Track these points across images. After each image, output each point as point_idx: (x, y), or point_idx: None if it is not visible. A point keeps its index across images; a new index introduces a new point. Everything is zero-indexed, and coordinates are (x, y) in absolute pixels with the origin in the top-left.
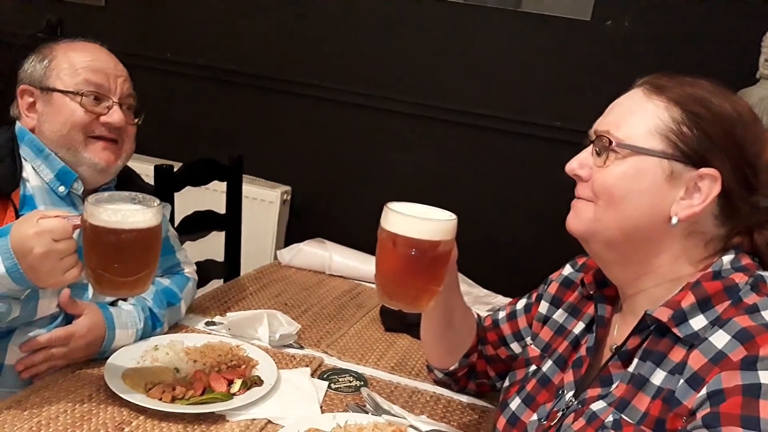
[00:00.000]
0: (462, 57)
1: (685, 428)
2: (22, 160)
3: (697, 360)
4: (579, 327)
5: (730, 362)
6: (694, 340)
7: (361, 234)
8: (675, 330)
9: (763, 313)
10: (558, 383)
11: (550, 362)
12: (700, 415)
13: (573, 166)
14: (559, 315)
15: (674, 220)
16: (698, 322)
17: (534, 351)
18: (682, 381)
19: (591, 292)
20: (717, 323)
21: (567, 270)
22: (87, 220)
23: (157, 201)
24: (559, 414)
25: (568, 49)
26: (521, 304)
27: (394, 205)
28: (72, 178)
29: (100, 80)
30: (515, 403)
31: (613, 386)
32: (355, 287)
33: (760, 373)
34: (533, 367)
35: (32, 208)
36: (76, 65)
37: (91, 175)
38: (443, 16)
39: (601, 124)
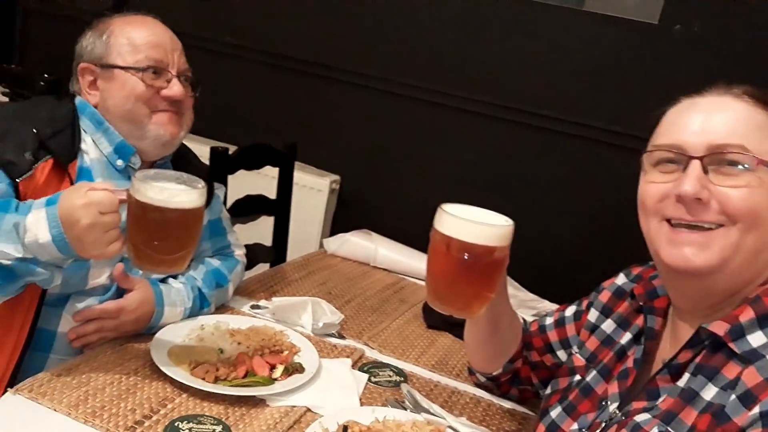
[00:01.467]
0: (520, 54)
1: None
2: (82, 132)
3: (752, 377)
4: (626, 338)
5: None
6: (751, 357)
7: (406, 228)
8: (732, 345)
9: None
10: (601, 394)
11: (594, 372)
12: None
13: (696, 189)
14: (608, 325)
15: None
16: (757, 338)
17: (579, 360)
18: (733, 397)
19: (641, 304)
20: None
21: (620, 279)
22: (133, 196)
23: (202, 183)
24: (602, 425)
25: (632, 52)
26: (570, 311)
27: (448, 207)
28: (130, 153)
29: (160, 55)
30: (556, 412)
31: (660, 399)
32: (398, 281)
33: None
34: (577, 377)
35: (89, 180)
36: (136, 41)
37: (155, 147)
38: (502, 10)
39: (721, 139)
